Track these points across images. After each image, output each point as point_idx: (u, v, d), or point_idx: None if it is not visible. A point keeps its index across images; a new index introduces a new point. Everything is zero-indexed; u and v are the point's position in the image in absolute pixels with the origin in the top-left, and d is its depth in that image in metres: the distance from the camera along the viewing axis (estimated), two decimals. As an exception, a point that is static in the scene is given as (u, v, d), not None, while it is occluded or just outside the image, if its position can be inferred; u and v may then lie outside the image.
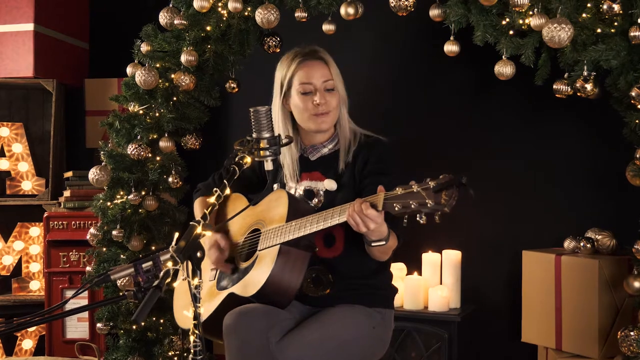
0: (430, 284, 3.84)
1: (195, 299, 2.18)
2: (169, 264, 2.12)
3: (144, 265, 2.15)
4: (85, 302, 4.00)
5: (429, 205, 2.19)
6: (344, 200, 2.69)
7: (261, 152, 2.56)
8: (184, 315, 2.85)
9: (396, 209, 2.27)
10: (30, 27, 4.47)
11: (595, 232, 3.55)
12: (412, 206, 2.23)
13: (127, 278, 3.50)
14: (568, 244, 3.60)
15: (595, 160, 3.84)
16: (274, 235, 2.63)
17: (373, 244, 2.50)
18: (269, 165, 2.60)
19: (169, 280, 2.10)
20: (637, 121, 2.98)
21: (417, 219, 2.25)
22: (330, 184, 2.81)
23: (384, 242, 2.50)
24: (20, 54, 4.48)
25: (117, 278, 2.20)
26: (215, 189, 2.40)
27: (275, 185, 2.90)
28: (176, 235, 2.21)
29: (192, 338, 2.20)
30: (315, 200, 2.82)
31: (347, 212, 2.42)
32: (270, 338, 2.51)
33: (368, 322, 2.75)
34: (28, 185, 4.60)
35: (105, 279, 2.20)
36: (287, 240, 2.58)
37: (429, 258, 3.88)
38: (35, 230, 4.62)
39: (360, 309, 2.75)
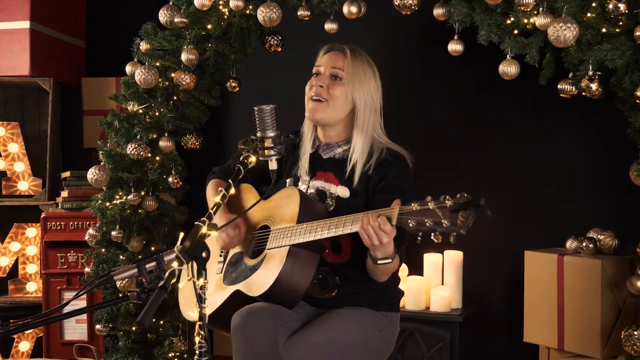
0: (432, 284, 3.83)
1: (201, 299, 2.15)
2: (174, 264, 2.09)
3: (147, 266, 2.12)
4: (83, 303, 3.97)
5: (444, 224, 2.16)
6: (355, 208, 2.66)
7: (265, 151, 2.54)
8: (190, 307, 2.82)
9: (410, 225, 2.23)
10: (26, 24, 4.43)
11: (597, 232, 3.56)
12: (427, 224, 2.19)
13: (126, 279, 3.50)
14: (570, 244, 3.59)
15: (598, 160, 3.84)
16: (284, 235, 2.60)
17: (379, 262, 2.47)
18: (273, 165, 2.58)
19: (174, 280, 2.08)
20: (641, 121, 2.98)
21: (432, 237, 2.21)
22: (343, 191, 2.76)
23: (390, 260, 2.47)
24: (16, 52, 4.43)
25: (120, 278, 2.17)
26: (220, 188, 2.38)
27: (288, 180, 2.87)
28: (181, 235, 2.18)
29: (197, 339, 2.17)
30: (327, 202, 2.79)
31: (359, 223, 2.39)
32: (277, 339, 2.49)
33: (375, 325, 2.74)
34: (24, 185, 4.57)
35: (108, 279, 2.18)
36: (297, 243, 2.55)
37: (430, 258, 3.87)
38: (32, 231, 4.59)
39: (367, 311, 2.73)
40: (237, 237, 2.78)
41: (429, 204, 2.20)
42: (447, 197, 2.18)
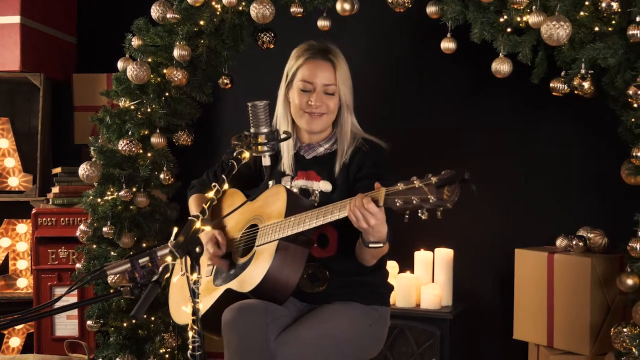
0: (423, 281, 3.84)
1: (194, 294, 2.15)
2: (168, 259, 2.09)
3: (140, 261, 2.12)
4: (74, 299, 3.95)
5: (431, 201, 2.16)
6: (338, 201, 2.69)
7: (259, 147, 2.54)
8: (180, 311, 2.83)
9: (397, 204, 2.24)
10: (16, 19, 4.41)
11: (587, 230, 3.58)
12: (414, 202, 2.20)
13: (118, 275, 3.49)
14: (560, 242, 3.62)
15: (588, 159, 3.87)
16: (272, 230, 2.61)
17: (371, 245, 2.46)
18: (266, 161, 2.58)
19: (167, 275, 2.08)
20: (632, 120, 2.99)
21: (419, 214, 2.21)
22: (325, 186, 2.80)
23: (381, 245, 2.47)
24: (6, 47, 4.41)
25: (113, 273, 2.17)
26: (214, 183, 2.38)
27: (270, 182, 2.88)
28: (175, 230, 2.18)
29: (190, 334, 2.17)
30: (311, 199, 2.81)
31: (347, 207, 2.40)
32: (268, 334, 2.49)
33: (365, 319, 2.74)
34: (15, 181, 4.55)
35: (101, 274, 2.19)
36: (286, 235, 2.56)
37: (421, 256, 3.88)
38: (23, 227, 4.57)
39: (357, 306, 2.74)
40: (218, 254, 2.76)
41: (415, 182, 2.21)
42: (431, 174, 2.19)
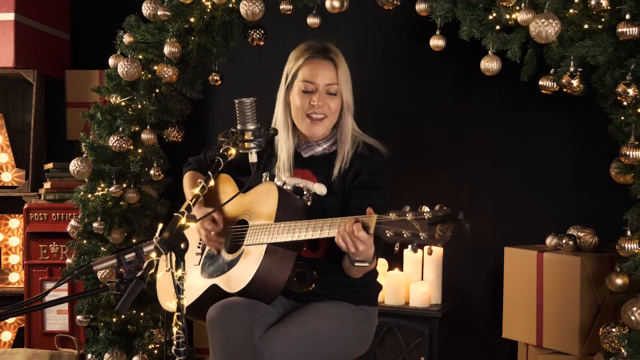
0: (412, 279, 3.84)
1: (179, 290, 2.15)
2: (153, 255, 2.09)
3: (126, 257, 2.13)
4: (65, 294, 3.96)
5: (421, 237, 2.14)
6: (332, 205, 2.67)
7: (245, 144, 2.53)
8: (167, 297, 2.82)
9: (388, 235, 2.22)
10: (11, 16, 4.41)
11: (577, 229, 3.57)
12: (405, 235, 2.18)
13: (107, 271, 3.50)
14: (550, 241, 3.61)
15: (578, 158, 3.86)
16: (262, 232, 2.60)
17: (357, 264, 2.46)
18: (253, 158, 2.57)
19: (152, 271, 2.08)
20: (622, 118, 2.99)
21: (409, 249, 2.21)
22: (320, 188, 2.77)
23: (367, 264, 2.47)
24: (0, 44, 4.41)
25: (99, 269, 2.17)
26: (199, 180, 2.38)
27: (264, 175, 2.87)
28: (160, 226, 2.18)
29: (175, 330, 2.17)
30: (304, 199, 2.79)
31: (337, 230, 2.39)
32: (254, 332, 2.49)
33: (352, 318, 2.74)
34: (8, 176, 4.56)
35: (88, 270, 2.18)
36: (275, 242, 2.55)
37: (410, 254, 3.87)
38: (15, 222, 4.58)
39: (345, 305, 2.73)
40: (215, 231, 2.77)
41: (407, 215, 2.18)
42: (426, 208, 2.16)
